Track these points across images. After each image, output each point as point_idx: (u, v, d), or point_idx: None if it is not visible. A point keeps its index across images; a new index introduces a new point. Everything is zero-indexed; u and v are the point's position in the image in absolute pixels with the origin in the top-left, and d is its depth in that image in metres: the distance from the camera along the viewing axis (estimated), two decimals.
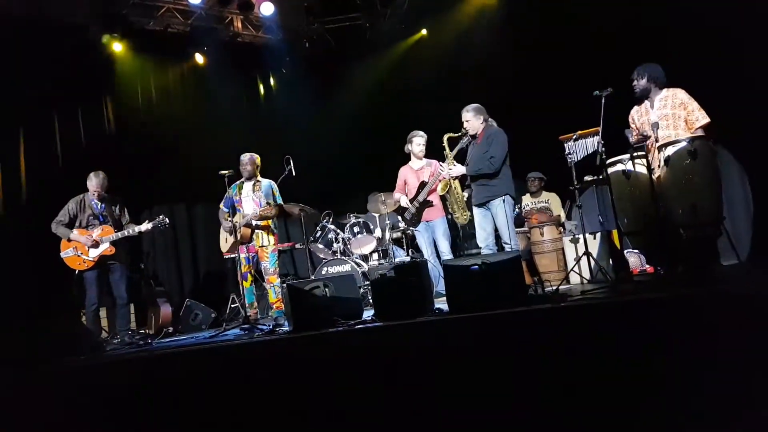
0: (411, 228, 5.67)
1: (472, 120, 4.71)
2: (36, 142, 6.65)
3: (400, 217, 5.80)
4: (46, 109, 6.78)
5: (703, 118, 3.91)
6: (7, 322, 5.57)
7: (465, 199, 4.99)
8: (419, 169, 5.58)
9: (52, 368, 4.16)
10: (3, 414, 3.88)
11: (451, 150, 4.85)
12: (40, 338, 4.43)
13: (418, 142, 5.53)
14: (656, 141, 3.91)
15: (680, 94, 3.99)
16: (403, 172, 5.68)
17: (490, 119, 4.77)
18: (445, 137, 4.85)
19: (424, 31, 8.23)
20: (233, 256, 5.57)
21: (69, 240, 5.16)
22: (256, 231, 5.28)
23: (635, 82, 4.10)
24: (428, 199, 5.40)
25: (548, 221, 5.72)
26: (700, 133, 3.88)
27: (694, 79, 4.15)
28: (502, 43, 6.98)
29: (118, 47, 7.24)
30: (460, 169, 4.81)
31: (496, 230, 4.73)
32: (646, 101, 4.14)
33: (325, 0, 8.15)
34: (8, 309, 5.59)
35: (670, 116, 3.98)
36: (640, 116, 4.19)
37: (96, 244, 5.16)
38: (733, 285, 3.30)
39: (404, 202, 5.50)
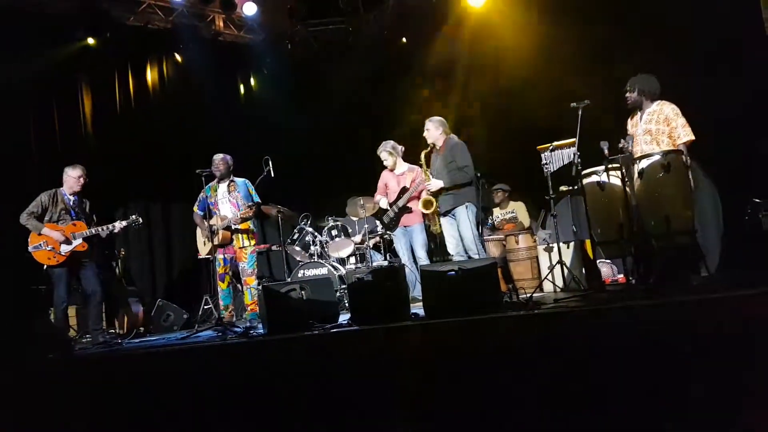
0: (388, 232, 5.70)
1: (432, 130, 4.99)
2: (9, 135, 6.48)
3: (377, 221, 5.82)
4: (21, 103, 6.62)
5: (685, 136, 3.98)
6: None
7: (438, 210, 5.10)
8: (401, 174, 5.63)
9: (20, 367, 4.07)
10: None
11: (428, 166, 5.05)
12: (8, 337, 4.33)
13: (383, 157, 5.63)
14: (630, 154, 4.01)
15: (666, 110, 4.05)
16: (385, 176, 5.74)
17: (451, 134, 5.02)
18: (423, 154, 5.04)
19: (404, 40, 8.29)
20: (209, 257, 5.50)
21: (40, 234, 4.98)
22: (236, 233, 5.22)
23: (627, 94, 4.18)
24: (407, 205, 5.44)
25: (517, 231, 5.82)
26: (682, 149, 3.95)
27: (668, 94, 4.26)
28: (481, 53, 7.07)
29: (96, 41, 7.12)
30: (438, 183, 4.94)
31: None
32: (639, 111, 4.22)
33: (309, 3, 8.13)
34: None
35: (653, 131, 4.07)
36: (632, 126, 4.28)
37: (68, 240, 5.02)
38: (702, 295, 3.39)
39: (384, 204, 5.57)
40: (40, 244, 4.99)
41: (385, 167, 5.69)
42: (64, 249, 5.00)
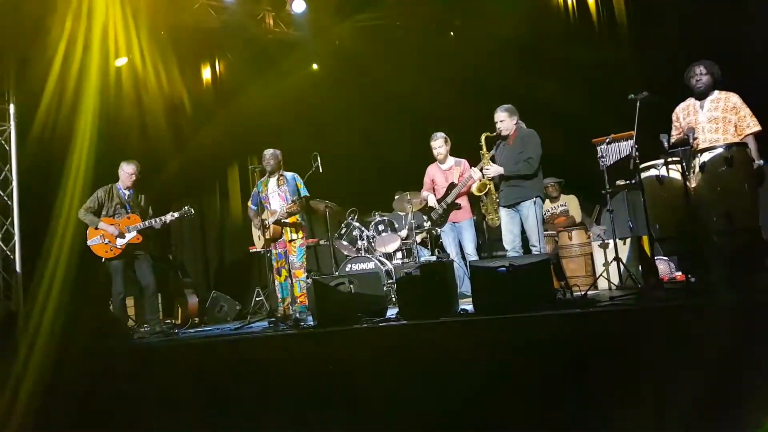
0: (436, 228, 5.64)
1: (506, 120, 4.64)
2: (71, 133, 6.76)
3: (425, 216, 5.78)
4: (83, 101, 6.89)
5: (754, 126, 3.84)
6: (41, 309, 5.73)
7: (498, 200, 4.91)
8: (448, 169, 5.55)
9: (83, 354, 4.27)
10: (33, 398, 4.00)
11: (488, 150, 4.77)
12: (70, 325, 4.55)
13: (434, 146, 5.50)
14: (691, 148, 3.84)
15: (733, 98, 3.91)
16: (431, 171, 5.67)
17: (520, 121, 4.72)
18: (483, 136, 4.73)
19: (452, 33, 8.19)
20: (263, 250, 5.61)
21: (96, 228, 5.19)
22: (285, 227, 5.31)
23: (700, 77, 3.96)
24: (456, 201, 5.37)
25: (569, 226, 5.67)
26: (750, 140, 3.79)
27: (736, 84, 4.05)
28: (535, 42, 6.92)
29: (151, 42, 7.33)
30: (497, 169, 4.64)
31: (522, 232, 4.68)
32: (692, 100, 4.05)
33: None
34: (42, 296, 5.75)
35: (720, 119, 3.90)
36: (686, 115, 4.09)
37: (123, 234, 5.20)
38: (765, 294, 3.23)
39: (432, 201, 5.49)
40: (97, 238, 5.20)
41: (435, 160, 5.60)
42: (120, 242, 5.19)
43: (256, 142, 5.97)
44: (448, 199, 5.38)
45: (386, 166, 7.89)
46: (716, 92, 3.96)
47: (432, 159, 5.70)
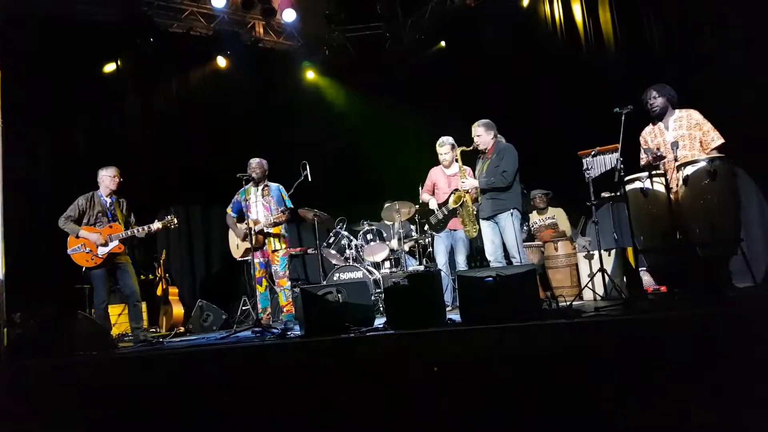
0: (433, 233, 5.57)
1: (483, 135, 4.76)
2: (56, 140, 6.73)
3: (423, 220, 5.72)
4: (68, 107, 6.86)
5: (717, 139, 3.95)
6: (23, 318, 5.65)
7: (475, 212, 4.98)
8: (452, 175, 5.43)
9: (67, 363, 4.21)
10: (17, 407, 3.93)
11: (465, 164, 4.92)
12: (54, 334, 4.48)
13: (441, 151, 5.42)
14: (675, 161, 3.92)
15: (695, 115, 4.04)
16: (434, 175, 5.57)
17: (499, 135, 4.81)
18: (458, 150, 4.93)
19: (443, 43, 8.27)
20: (246, 259, 5.60)
21: (77, 237, 5.09)
22: (268, 237, 5.30)
23: (653, 101, 4.11)
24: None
25: (556, 237, 5.71)
26: (715, 154, 3.89)
27: (709, 98, 4.16)
28: (521, 56, 7.01)
29: (140, 48, 7.33)
30: (472, 182, 4.84)
31: (504, 243, 4.74)
32: (657, 123, 4.16)
33: (346, 8, 8.22)
34: (24, 304, 5.66)
35: (686, 137, 4.01)
36: (653, 138, 4.20)
37: (105, 243, 5.11)
38: (747, 305, 3.29)
39: (433, 205, 5.44)
40: (77, 247, 5.08)
41: (435, 164, 5.56)
42: (101, 251, 5.08)
43: (244, 150, 5.96)
44: (450, 206, 5.37)
45: (375, 176, 7.93)
46: (677, 111, 4.10)
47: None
